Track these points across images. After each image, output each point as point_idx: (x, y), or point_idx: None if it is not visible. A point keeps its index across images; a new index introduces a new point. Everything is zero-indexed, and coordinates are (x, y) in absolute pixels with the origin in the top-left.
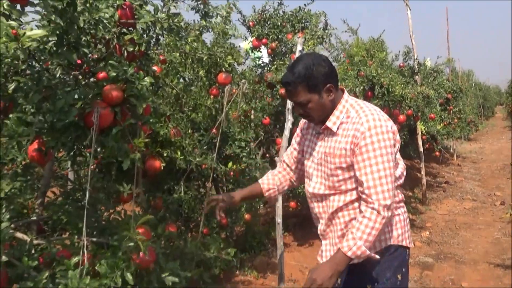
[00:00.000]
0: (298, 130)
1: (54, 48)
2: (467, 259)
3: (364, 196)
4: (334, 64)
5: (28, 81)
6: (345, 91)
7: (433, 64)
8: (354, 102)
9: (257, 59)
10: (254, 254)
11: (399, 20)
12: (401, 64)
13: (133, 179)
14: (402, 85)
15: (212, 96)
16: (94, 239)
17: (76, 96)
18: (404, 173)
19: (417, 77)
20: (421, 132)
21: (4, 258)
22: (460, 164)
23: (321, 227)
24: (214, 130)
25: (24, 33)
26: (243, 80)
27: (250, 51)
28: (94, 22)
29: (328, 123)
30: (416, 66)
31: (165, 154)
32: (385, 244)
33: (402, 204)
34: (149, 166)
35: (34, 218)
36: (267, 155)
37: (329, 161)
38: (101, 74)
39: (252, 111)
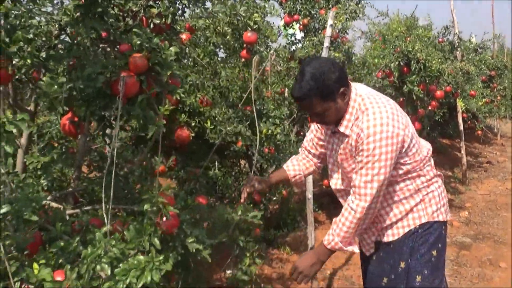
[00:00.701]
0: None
1: (81, 18)
2: (506, 239)
3: (352, 190)
4: (368, 44)
5: (60, 50)
6: (352, 85)
7: (479, 40)
8: (361, 101)
9: (290, 36)
10: (287, 231)
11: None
12: (440, 39)
13: (166, 153)
14: (440, 60)
15: (242, 59)
16: (124, 207)
17: (103, 65)
18: (431, 151)
19: (457, 52)
20: (461, 109)
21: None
22: (504, 144)
23: None
24: (247, 107)
25: None
26: (271, 51)
27: (283, 28)
28: None
29: (341, 128)
30: (456, 41)
31: (193, 124)
32: (420, 222)
33: (435, 179)
34: (177, 136)
35: (70, 190)
36: (301, 132)
37: (342, 164)
38: (126, 46)
39: (286, 89)
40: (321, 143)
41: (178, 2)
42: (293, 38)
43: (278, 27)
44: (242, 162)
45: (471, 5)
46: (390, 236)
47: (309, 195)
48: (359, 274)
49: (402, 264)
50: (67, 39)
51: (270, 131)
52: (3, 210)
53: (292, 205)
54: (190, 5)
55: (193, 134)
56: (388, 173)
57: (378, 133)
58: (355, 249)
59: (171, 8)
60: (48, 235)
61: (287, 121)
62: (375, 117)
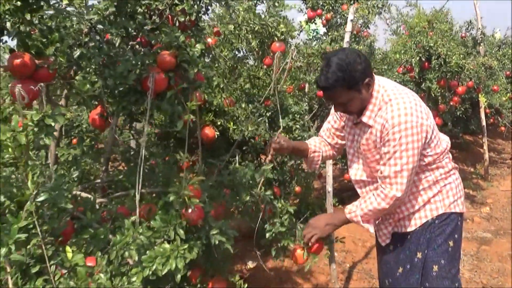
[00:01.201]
0: (333, 110)
1: (113, 18)
2: None
3: (381, 181)
4: (394, 37)
5: (91, 49)
6: (376, 80)
7: (503, 35)
8: (384, 92)
9: (313, 32)
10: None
11: None
12: (463, 34)
13: (191, 149)
14: (461, 55)
15: (265, 66)
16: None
17: (133, 63)
18: (449, 144)
19: (480, 47)
20: (484, 105)
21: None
22: None
23: None
24: (267, 102)
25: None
26: (292, 47)
27: (305, 24)
28: None
29: (364, 118)
30: (480, 36)
31: (218, 123)
32: (437, 213)
33: (453, 171)
34: (203, 135)
35: (99, 181)
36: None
37: (365, 154)
38: (156, 44)
39: (307, 84)
40: (338, 133)
41: (201, 1)
42: (315, 34)
43: (300, 22)
44: (263, 156)
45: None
46: (408, 227)
47: (329, 188)
48: None
49: (419, 255)
50: (97, 37)
51: (287, 126)
52: (42, 198)
53: (312, 200)
54: (213, 2)
55: (217, 133)
56: (416, 162)
57: (403, 123)
58: (371, 228)
59: (196, 6)
60: (79, 223)
61: (308, 116)
62: (399, 107)
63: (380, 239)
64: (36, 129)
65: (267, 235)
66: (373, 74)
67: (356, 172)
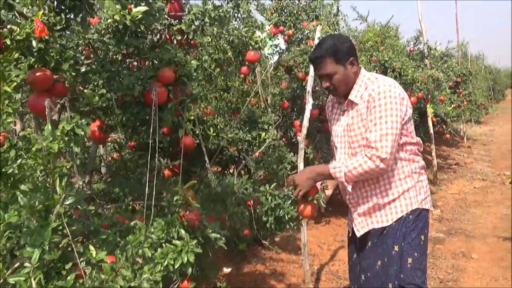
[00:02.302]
0: (328, 118)
1: (119, 36)
2: (476, 233)
3: (367, 146)
4: None
5: (94, 65)
6: (362, 68)
7: (444, 48)
8: (371, 76)
9: (275, 46)
10: (275, 232)
11: (409, 6)
12: (411, 49)
13: (170, 157)
14: (413, 69)
15: (242, 75)
16: (142, 203)
17: (137, 76)
18: (421, 142)
19: (426, 60)
20: (431, 114)
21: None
22: (470, 146)
23: (348, 196)
24: (240, 114)
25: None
26: (257, 68)
27: (267, 39)
28: (155, 13)
29: (351, 97)
30: (426, 50)
31: (197, 132)
32: (411, 208)
33: (423, 171)
34: (183, 144)
35: (88, 192)
36: (283, 138)
37: (351, 129)
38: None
39: (269, 96)
40: None
41: (200, 21)
42: (277, 48)
43: (262, 38)
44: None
45: (437, 15)
46: (384, 221)
47: None
48: (344, 269)
49: (396, 248)
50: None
51: (258, 135)
52: (69, 202)
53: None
54: (211, 24)
55: (197, 141)
56: (398, 130)
57: (387, 91)
58: (349, 187)
59: (193, 26)
60: (87, 228)
61: (272, 127)
62: (384, 83)
63: (355, 229)
64: (66, 138)
65: (268, 225)
66: (358, 60)
67: (340, 156)
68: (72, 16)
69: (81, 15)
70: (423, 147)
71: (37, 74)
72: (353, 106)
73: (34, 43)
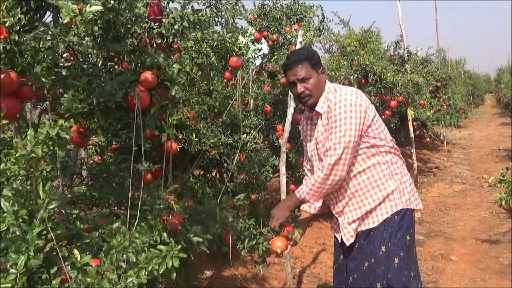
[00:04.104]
0: (302, 136)
1: (100, 40)
2: (455, 236)
3: (324, 154)
4: (327, 55)
5: (73, 69)
6: (327, 81)
7: (424, 54)
8: (333, 89)
9: (257, 51)
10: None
11: (391, 11)
12: (392, 53)
13: (151, 161)
14: (393, 73)
15: (225, 80)
16: (123, 211)
17: (120, 81)
18: (395, 142)
19: (407, 65)
20: (412, 118)
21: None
22: (450, 150)
23: (333, 206)
24: (222, 118)
25: (85, 9)
26: (239, 73)
27: (251, 43)
28: (134, 18)
29: (317, 108)
30: (406, 55)
31: (180, 137)
32: (396, 209)
33: (405, 171)
34: (166, 148)
35: (69, 196)
36: (265, 142)
37: (318, 141)
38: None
39: (252, 100)
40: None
41: (179, 25)
42: (260, 53)
43: (246, 43)
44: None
45: (418, 21)
46: (370, 223)
47: (283, 196)
48: (326, 271)
49: (383, 248)
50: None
51: (242, 140)
52: (53, 206)
53: (260, 210)
54: (191, 28)
55: (180, 146)
56: (353, 137)
57: (343, 101)
58: (317, 204)
59: (172, 30)
60: (69, 231)
61: (254, 131)
62: (341, 93)
63: (344, 238)
64: (50, 143)
65: (243, 252)
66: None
67: (316, 168)
68: (38, 17)
69: (51, 15)
70: (400, 150)
71: (1, 76)
72: (319, 117)
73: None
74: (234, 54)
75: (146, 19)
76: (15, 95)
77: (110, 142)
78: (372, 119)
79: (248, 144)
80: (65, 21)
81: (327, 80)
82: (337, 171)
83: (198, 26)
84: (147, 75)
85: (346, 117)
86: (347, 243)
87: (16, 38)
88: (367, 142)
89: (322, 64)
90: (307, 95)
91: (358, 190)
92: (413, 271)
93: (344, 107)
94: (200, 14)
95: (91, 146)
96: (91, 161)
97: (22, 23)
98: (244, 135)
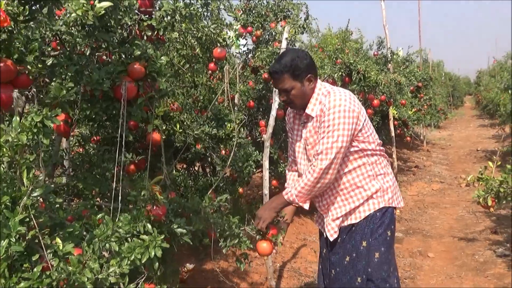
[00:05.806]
0: (287, 128)
1: (90, 30)
2: (433, 233)
3: (314, 157)
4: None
5: (61, 58)
6: (319, 81)
7: (405, 54)
8: (325, 91)
9: (242, 46)
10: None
11: (375, 11)
12: (375, 53)
13: (135, 152)
14: (377, 72)
15: (210, 71)
16: (107, 204)
17: (107, 71)
18: (381, 144)
19: (389, 65)
20: (393, 117)
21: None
22: (430, 150)
23: (319, 204)
24: (207, 113)
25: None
26: (226, 67)
27: (235, 38)
28: (124, 9)
29: (307, 111)
30: (389, 55)
31: (164, 127)
32: (378, 207)
33: (389, 171)
34: (149, 139)
35: (52, 186)
36: (249, 137)
37: (308, 143)
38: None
39: (236, 95)
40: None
41: (169, 17)
42: (244, 48)
43: (231, 37)
44: (197, 164)
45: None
46: (353, 219)
47: (266, 191)
48: (306, 266)
49: (364, 243)
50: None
51: (225, 133)
52: (36, 193)
53: (243, 205)
54: (181, 21)
55: (164, 137)
56: (345, 142)
57: (337, 106)
58: (306, 206)
59: (163, 22)
60: (52, 221)
61: (238, 126)
62: (335, 98)
63: (328, 234)
64: (35, 130)
65: (224, 250)
66: (317, 75)
67: (303, 167)
68: (38, 8)
69: (47, 6)
70: (385, 149)
71: (1, 65)
72: (310, 119)
73: None
74: (219, 45)
75: (137, 11)
76: (13, 83)
77: (93, 133)
78: (363, 124)
79: (233, 138)
80: (72, 15)
81: (318, 81)
82: (327, 175)
83: (188, 20)
84: (136, 66)
85: (340, 122)
86: (331, 239)
87: (10, 27)
88: (356, 146)
89: (310, 71)
90: (290, 103)
91: (343, 189)
92: (392, 266)
93: (338, 113)
94: (192, 8)
95: (73, 137)
96: (73, 152)
97: (26, 13)
98: (229, 125)
